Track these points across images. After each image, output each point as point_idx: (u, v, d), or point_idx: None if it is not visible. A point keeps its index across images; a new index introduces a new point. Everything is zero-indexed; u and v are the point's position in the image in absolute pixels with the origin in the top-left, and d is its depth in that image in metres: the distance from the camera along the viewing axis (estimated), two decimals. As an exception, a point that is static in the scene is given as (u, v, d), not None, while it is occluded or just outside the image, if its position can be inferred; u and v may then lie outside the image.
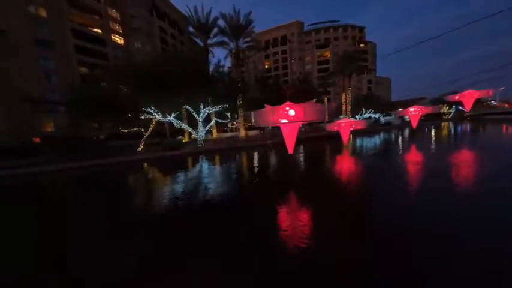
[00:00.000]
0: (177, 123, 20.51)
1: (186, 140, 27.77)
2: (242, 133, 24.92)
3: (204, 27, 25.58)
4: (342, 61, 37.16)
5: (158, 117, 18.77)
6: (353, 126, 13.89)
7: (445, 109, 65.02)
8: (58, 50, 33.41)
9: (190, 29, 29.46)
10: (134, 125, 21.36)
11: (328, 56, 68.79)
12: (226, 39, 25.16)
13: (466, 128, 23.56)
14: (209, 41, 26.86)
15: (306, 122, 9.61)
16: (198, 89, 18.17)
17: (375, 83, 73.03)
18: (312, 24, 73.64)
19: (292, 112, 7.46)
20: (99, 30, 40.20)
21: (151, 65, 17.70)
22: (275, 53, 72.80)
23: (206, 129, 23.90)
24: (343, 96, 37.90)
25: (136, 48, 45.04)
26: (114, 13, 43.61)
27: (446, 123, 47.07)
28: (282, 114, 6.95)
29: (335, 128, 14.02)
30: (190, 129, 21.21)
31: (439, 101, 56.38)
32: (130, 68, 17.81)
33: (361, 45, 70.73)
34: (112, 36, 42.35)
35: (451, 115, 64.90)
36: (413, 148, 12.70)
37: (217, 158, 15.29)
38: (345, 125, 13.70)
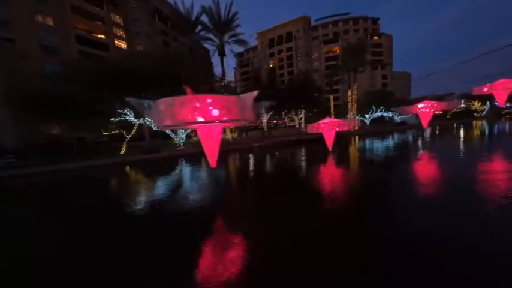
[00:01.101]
0: (155, 126, 19.29)
1: (175, 142, 26.76)
2: (228, 135, 23.03)
3: (188, 23, 24.29)
4: (345, 54, 33.45)
5: (132, 118, 17.67)
6: (337, 127, 11.04)
7: (476, 105, 56.50)
8: (63, 56, 34.81)
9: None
10: (114, 128, 20.68)
11: (337, 51, 64.06)
12: (211, 35, 23.71)
13: (504, 128, 18.76)
14: (195, 37, 25.51)
15: (231, 124, 7.26)
16: (170, 88, 16.72)
17: (391, 79, 66.37)
18: (320, 19, 69.48)
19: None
20: (103, 36, 41.47)
21: (119, 63, 16.57)
22: (280, 51, 70.10)
23: (189, 131, 22.45)
24: (349, 93, 34.11)
25: (138, 52, 45.86)
26: (117, 18, 44.85)
27: (478, 121, 40.18)
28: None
29: (314, 129, 11.36)
30: (169, 132, 19.90)
31: (470, 96, 48.91)
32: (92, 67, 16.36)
33: (375, 37, 64.81)
34: (115, 41, 43.51)
35: (484, 112, 56.24)
36: (427, 157, 9.19)
37: (188, 162, 13.60)
38: (325, 125, 10.95)
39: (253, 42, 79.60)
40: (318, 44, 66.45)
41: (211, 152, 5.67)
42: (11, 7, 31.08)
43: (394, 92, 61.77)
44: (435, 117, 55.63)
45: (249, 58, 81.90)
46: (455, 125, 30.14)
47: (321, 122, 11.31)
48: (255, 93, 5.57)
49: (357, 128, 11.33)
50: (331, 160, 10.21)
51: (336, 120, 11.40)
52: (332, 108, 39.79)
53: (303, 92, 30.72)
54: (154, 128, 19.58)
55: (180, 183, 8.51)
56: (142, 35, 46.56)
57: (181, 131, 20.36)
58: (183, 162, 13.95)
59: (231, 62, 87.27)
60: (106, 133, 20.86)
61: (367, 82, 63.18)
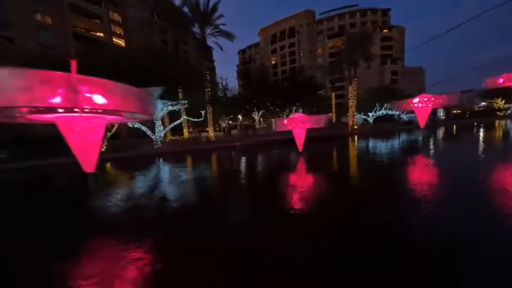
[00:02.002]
0: (133, 124, 18.53)
1: (169, 139, 26.09)
2: (211, 133, 21.80)
3: (172, 15, 23.20)
4: (346, 47, 30.88)
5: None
6: (302, 124, 9.18)
7: (500, 103, 50.81)
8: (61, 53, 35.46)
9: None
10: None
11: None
12: (195, 28, 22.41)
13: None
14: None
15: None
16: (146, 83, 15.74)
17: (402, 74, 61.76)
18: (325, 13, 66.11)
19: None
20: (101, 34, 41.90)
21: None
22: (282, 47, 67.79)
23: (168, 128, 21.51)
24: (349, 90, 31.52)
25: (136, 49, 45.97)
26: (116, 16, 45.18)
27: (502, 121, 35.65)
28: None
29: (282, 127, 9.70)
30: (145, 129, 19.01)
31: (492, 93, 43.82)
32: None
33: (385, 30, 60.49)
34: (114, 39, 43.87)
35: (510, 111, 50.45)
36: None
37: (157, 162, 12.59)
38: (289, 122, 9.23)
39: (256, 38, 77.90)
40: (322, 38, 63.34)
41: (82, 151, 4.32)
42: (11, 6, 31.94)
43: (403, 88, 57.43)
44: (452, 117, 50.50)
45: (252, 55, 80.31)
46: (475, 125, 26.59)
47: (289, 118, 9.65)
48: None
49: (322, 125, 9.36)
50: (297, 165, 8.58)
51: (303, 115, 9.64)
52: (334, 106, 37.33)
53: (297, 88, 28.79)
54: (130, 125, 18.82)
55: (125, 186, 7.33)
56: (140, 32, 46.60)
57: (160, 128, 19.45)
58: (153, 161, 12.92)
59: (233, 60, 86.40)
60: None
61: (375, 78, 59.27)
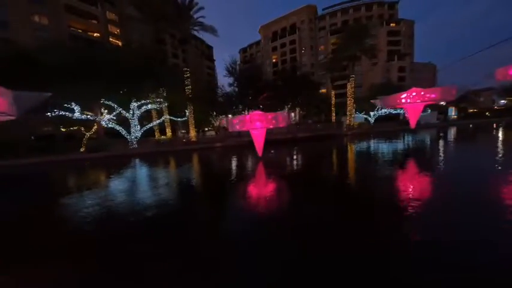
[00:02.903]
0: (106, 123, 17.81)
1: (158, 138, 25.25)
2: (192, 134, 20.66)
3: (150, 12, 22.27)
4: (342, 41, 28.72)
5: (77, 114, 16.26)
6: (258, 123, 7.62)
7: (521, 101, 46.00)
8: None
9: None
10: (74, 124, 19.72)
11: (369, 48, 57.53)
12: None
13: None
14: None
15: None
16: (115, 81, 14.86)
17: (410, 71, 57.89)
18: (329, 8, 63.39)
19: None
20: (98, 34, 42.20)
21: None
22: (283, 45, 65.86)
23: (145, 128, 20.61)
24: (348, 87, 29.32)
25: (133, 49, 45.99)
26: (113, 16, 45.42)
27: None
28: None
29: (236, 127, 8.22)
30: (119, 129, 18.16)
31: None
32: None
33: (392, 24, 56.92)
34: (110, 39, 44.10)
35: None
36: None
37: (128, 164, 11.66)
38: (242, 121, 7.75)
39: (258, 36, 76.37)
40: (325, 35, 60.74)
41: None
42: (9, 8, 32.60)
43: (410, 86, 53.83)
44: (464, 116, 46.17)
45: (253, 54, 79.01)
46: (492, 126, 23.52)
47: (243, 117, 8.19)
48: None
49: (285, 125, 7.81)
50: (245, 174, 7.15)
51: (260, 113, 8.11)
52: (333, 105, 35.17)
53: (291, 86, 27.07)
54: (104, 125, 18.08)
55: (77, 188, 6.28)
56: (136, 32, 46.55)
57: (136, 127, 18.60)
58: (122, 163, 11.96)
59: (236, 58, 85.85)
60: (64, 129, 20.03)
61: (380, 75, 55.98)
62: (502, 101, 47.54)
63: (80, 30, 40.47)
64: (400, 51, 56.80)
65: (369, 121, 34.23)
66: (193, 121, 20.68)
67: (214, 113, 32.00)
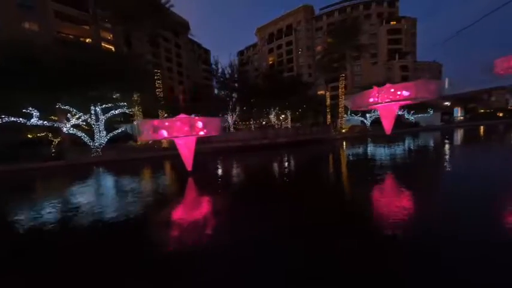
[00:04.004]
0: (67, 130, 16.63)
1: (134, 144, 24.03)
2: (164, 140, 19.33)
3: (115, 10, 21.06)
4: (333, 38, 26.92)
5: (34, 120, 15.19)
6: (188, 130, 5.91)
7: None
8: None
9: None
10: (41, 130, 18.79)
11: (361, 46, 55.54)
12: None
13: None
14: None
15: None
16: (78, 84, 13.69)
17: (414, 70, 54.89)
18: (326, 7, 61.80)
19: None
20: (90, 40, 42.34)
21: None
22: (279, 46, 64.62)
23: (112, 135, 19.33)
24: (340, 87, 27.26)
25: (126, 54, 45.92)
26: (106, 22, 45.63)
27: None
28: None
29: (152, 135, 6.46)
30: (81, 135, 16.86)
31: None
32: None
33: (392, 22, 54.47)
34: (102, 44, 44.17)
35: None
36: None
37: (80, 174, 10.38)
38: (157, 127, 6.04)
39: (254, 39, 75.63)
40: (322, 35, 58.95)
41: None
42: (0, 15, 33.00)
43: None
44: (479, 116, 42.40)
45: (250, 56, 78.24)
46: (501, 128, 20.77)
47: (156, 121, 6.50)
48: None
49: (218, 131, 6.13)
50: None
51: (187, 117, 6.40)
52: (328, 107, 33.12)
53: (278, 87, 25.38)
54: (65, 131, 16.95)
55: None
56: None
57: (102, 133, 17.38)
58: (69, 174, 10.66)
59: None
60: (30, 136, 19.14)
61: (381, 75, 53.32)
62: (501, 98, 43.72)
63: (71, 36, 40.62)
64: (401, 50, 54.07)
65: (365, 124, 31.88)
66: (165, 126, 19.32)
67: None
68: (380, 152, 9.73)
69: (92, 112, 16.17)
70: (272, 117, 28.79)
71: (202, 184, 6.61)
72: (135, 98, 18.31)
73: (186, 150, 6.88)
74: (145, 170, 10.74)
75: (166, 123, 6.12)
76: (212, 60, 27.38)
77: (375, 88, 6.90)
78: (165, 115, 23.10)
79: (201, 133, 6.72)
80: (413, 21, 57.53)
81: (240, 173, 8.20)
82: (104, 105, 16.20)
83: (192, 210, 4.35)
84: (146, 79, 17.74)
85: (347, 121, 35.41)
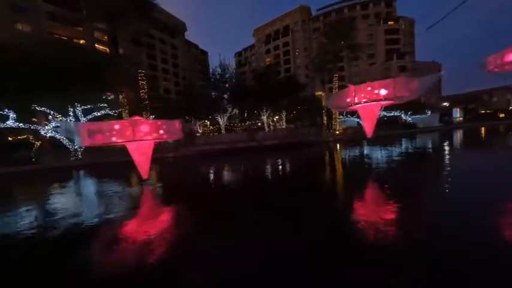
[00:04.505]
0: (45, 132, 16.02)
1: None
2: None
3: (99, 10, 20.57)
4: (326, 38, 26.29)
5: (10, 122, 14.60)
6: (144, 134, 5.19)
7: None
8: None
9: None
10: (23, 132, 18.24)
11: (349, 44, 54.93)
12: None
13: None
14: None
15: None
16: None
17: (413, 70, 54.04)
18: (323, 8, 61.38)
19: None
20: (83, 41, 42.05)
21: None
22: (276, 47, 64.19)
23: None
24: (333, 87, 26.55)
25: (120, 55, 45.65)
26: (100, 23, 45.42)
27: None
28: None
29: (87, 139, 5.60)
30: (60, 137, 16.21)
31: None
32: None
33: (390, 22, 53.83)
34: (96, 45, 43.89)
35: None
36: None
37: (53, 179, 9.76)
38: (105, 131, 5.33)
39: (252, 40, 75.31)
40: (319, 36, 58.40)
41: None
42: (-8, 17, 32.73)
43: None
44: (480, 117, 41.13)
45: (248, 57, 77.89)
46: (500, 130, 19.73)
47: (91, 123, 5.79)
48: None
49: (181, 135, 5.40)
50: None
51: (142, 120, 5.65)
52: (325, 108, 32.35)
53: (271, 88, 24.68)
54: (44, 134, 16.34)
55: None
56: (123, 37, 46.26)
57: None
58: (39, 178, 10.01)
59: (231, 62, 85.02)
60: (11, 138, 18.58)
61: (379, 75, 52.56)
62: None
63: (65, 38, 40.36)
64: (399, 50, 53.33)
65: (361, 125, 31.09)
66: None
67: (192, 118, 30.04)
68: (366, 160, 8.94)
69: (71, 114, 15.56)
70: (265, 118, 28.09)
71: (151, 196, 5.89)
72: (120, 99, 17.72)
73: (140, 156, 6.17)
74: (107, 176, 9.99)
75: (104, 127, 5.42)
76: (212, 62, 27.02)
77: (351, 87, 6.17)
78: (152, 116, 22.45)
79: (149, 137, 5.94)
80: (411, 21, 56.88)
81: (206, 182, 7.49)
82: (83, 107, 15.59)
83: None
84: (127, 80, 17.10)
85: (343, 122, 34.61)
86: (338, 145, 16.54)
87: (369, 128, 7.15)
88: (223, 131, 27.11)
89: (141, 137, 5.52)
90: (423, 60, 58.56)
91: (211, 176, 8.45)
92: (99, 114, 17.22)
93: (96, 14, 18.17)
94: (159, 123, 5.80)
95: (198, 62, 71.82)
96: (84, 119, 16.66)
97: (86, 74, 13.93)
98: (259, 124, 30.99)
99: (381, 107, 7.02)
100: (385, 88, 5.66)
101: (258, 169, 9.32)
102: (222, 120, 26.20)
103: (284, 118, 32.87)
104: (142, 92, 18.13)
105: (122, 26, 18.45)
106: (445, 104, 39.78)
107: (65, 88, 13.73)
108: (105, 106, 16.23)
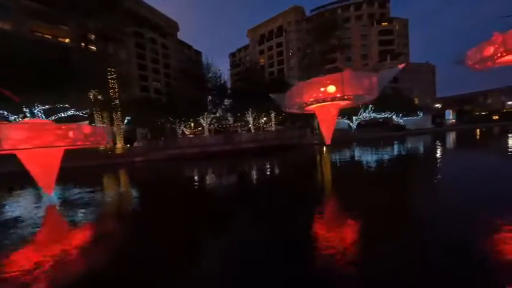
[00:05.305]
0: None
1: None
2: (118, 145, 17.49)
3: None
4: (312, 37, 25.44)
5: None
6: (50, 140, 4.10)
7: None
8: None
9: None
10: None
11: (336, 43, 54.39)
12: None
13: None
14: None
15: None
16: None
17: (406, 72, 53.42)
18: (316, 9, 60.86)
19: None
20: (68, 40, 40.90)
21: None
22: (270, 48, 63.50)
23: None
24: (322, 89, 25.77)
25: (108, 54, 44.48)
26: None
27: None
28: None
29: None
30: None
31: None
32: None
33: (383, 23, 53.31)
34: (82, 44, 42.74)
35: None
36: None
37: None
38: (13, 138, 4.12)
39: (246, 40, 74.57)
40: (305, 34, 57.83)
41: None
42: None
43: (405, 87, 49.40)
44: (473, 119, 40.36)
45: (242, 58, 77.10)
46: (496, 131, 18.64)
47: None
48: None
49: (105, 141, 4.42)
50: None
51: (47, 123, 4.53)
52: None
53: (255, 90, 23.62)
54: None
55: None
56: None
57: None
58: None
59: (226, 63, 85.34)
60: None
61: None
62: (510, 102, 41.82)
63: (49, 36, 39.21)
64: (393, 51, 52.76)
65: (350, 127, 30.21)
66: (120, 130, 17.55)
67: (177, 120, 28.87)
68: (344, 166, 7.92)
69: (28, 115, 14.37)
70: (250, 120, 27.07)
71: (52, 217, 4.79)
72: (88, 99, 16.56)
73: (36, 167, 5.05)
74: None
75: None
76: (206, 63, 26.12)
77: (300, 84, 5.17)
78: (129, 118, 21.31)
79: (54, 144, 4.85)
80: (405, 22, 56.48)
81: (144, 194, 6.43)
82: (41, 107, 14.44)
83: None
84: (96, 79, 15.93)
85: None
86: (319, 149, 15.53)
87: (327, 133, 6.12)
88: (206, 133, 26.03)
89: (38, 144, 4.44)
90: (415, 59, 57.97)
91: (155, 186, 7.40)
92: (64, 115, 16.09)
93: (63, 8, 17.06)
94: (63, 127, 4.72)
95: (192, 62, 70.94)
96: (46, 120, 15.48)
97: (42, 69, 12.81)
98: (250, 126, 29.94)
99: (339, 109, 5.96)
100: (334, 84, 4.65)
101: (213, 180, 8.27)
102: (205, 122, 25.13)
103: (273, 120, 31.91)
104: (112, 92, 17.05)
105: (90, 20, 17.42)
106: (437, 105, 39.03)
107: (17, 85, 12.56)
108: (68, 107, 15.10)
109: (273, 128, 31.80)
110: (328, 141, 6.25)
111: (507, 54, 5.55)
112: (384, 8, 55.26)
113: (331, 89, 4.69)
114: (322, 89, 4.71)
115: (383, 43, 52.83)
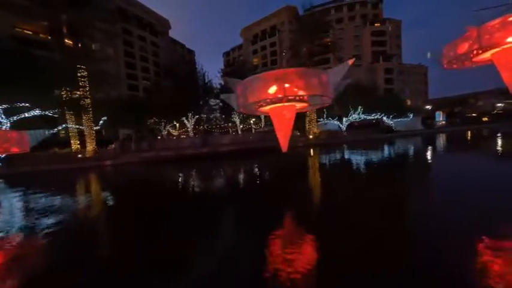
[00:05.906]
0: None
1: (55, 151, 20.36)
2: (89, 148, 16.35)
3: None
4: (297, 36, 24.78)
5: None
6: None
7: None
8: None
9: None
10: None
11: (329, 43, 53.92)
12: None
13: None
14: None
15: None
16: None
17: (399, 73, 53.43)
18: (309, 9, 60.29)
19: None
20: (49, 36, 39.26)
21: None
22: (263, 47, 62.80)
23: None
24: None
25: (94, 51, 42.95)
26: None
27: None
28: None
29: None
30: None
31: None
32: None
33: (376, 24, 53.17)
34: (66, 40, 41.11)
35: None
36: None
37: None
38: None
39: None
40: (291, 33, 57.34)
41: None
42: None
43: (398, 89, 49.27)
44: (467, 121, 40.26)
45: (236, 57, 76.16)
46: (499, 134, 17.93)
47: None
48: None
49: (27, 148, 3.74)
50: None
51: None
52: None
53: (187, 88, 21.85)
54: None
55: None
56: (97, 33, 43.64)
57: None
58: None
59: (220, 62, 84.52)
60: None
61: (364, 78, 51.67)
62: (499, 104, 42.11)
63: (30, 32, 37.60)
64: (386, 52, 52.67)
65: (340, 128, 29.63)
66: (91, 131, 16.44)
67: (161, 120, 27.70)
68: (324, 172, 7.22)
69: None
70: (237, 121, 26.18)
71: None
72: (54, 98, 15.41)
73: None
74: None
75: None
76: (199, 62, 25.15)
77: (243, 82, 4.36)
78: (104, 118, 20.23)
79: None
80: (398, 24, 56.50)
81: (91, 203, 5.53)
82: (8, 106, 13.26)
83: None
84: (54, 75, 14.67)
85: (324, 125, 33.08)
86: (306, 152, 14.77)
87: (282, 139, 5.31)
88: (191, 134, 25.03)
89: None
90: (410, 62, 58.08)
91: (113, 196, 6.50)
92: (27, 114, 14.90)
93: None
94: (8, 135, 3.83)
95: (184, 61, 69.67)
96: (6, 120, 14.31)
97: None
98: (237, 127, 28.98)
99: (296, 112, 5.16)
100: (275, 82, 3.84)
101: (182, 186, 7.40)
102: (189, 123, 24.13)
103: (263, 121, 31.08)
104: (82, 91, 15.96)
105: (57, 12, 16.29)
106: (427, 107, 38.95)
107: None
108: (27, 106, 13.94)
109: (262, 130, 31.01)
110: (284, 148, 5.45)
111: (482, 52, 4.80)
112: (377, 9, 55.18)
113: (272, 89, 3.89)
114: (267, 88, 3.92)
115: (376, 44, 52.70)
